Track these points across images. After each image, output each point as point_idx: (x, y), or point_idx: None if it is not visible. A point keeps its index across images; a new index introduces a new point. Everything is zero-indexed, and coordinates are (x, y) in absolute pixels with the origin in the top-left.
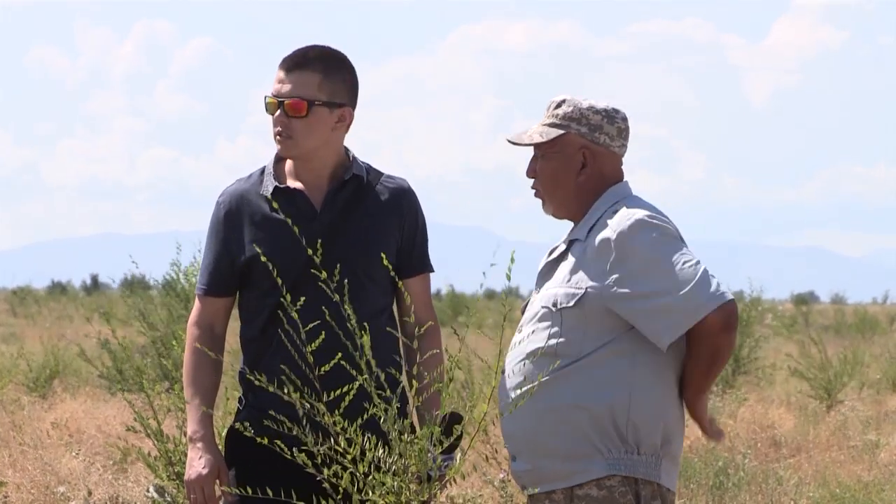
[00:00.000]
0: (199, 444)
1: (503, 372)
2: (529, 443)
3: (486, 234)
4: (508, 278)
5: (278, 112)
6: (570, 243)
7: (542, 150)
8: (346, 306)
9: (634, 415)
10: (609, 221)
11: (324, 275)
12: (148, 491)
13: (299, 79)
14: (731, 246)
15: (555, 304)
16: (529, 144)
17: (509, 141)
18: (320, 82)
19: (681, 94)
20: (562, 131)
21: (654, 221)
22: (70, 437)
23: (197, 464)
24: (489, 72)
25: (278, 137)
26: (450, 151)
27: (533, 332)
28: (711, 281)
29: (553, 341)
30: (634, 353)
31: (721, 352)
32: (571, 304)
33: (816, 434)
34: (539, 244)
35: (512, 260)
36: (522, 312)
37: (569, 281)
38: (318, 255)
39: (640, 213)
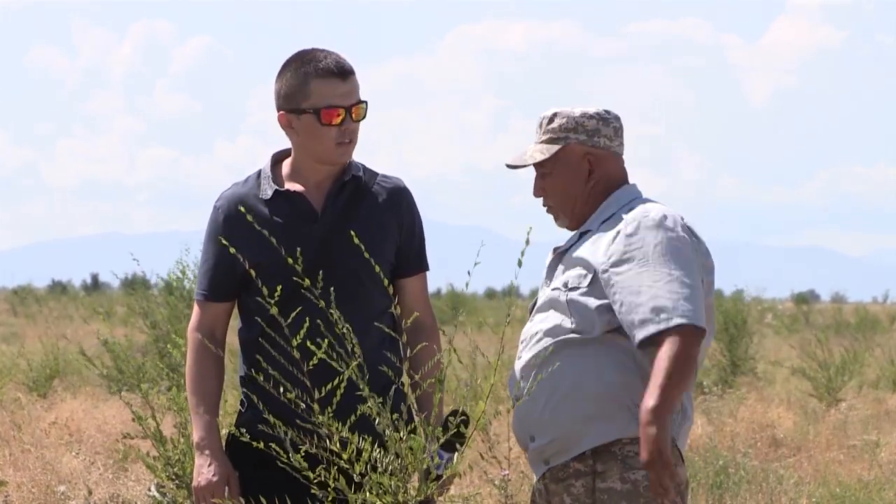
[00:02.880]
0: (207, 452)
1: (518, 359)
2: (551, 415)
3: (487, 234)
4: (520, 264)
5: (345, 119)
6: (581, 235)
7: (547, 168)
8: (332, 311)
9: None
10: (624, 215)
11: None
12: (149, 490)
13: (354, 85)
14: (731, 246)
15: (566, 285)
16: (532, 165)
17: (509, 165)
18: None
19: (680, 93)
20: (561, 144)
21: (669, 224)
22: (70, 436)
23: (206, 471)
24: (488, 72)
25: (342, 144)
26: (449, 151)
27: (545, 316)
28: (690, 303)
29: (568, 320)
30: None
31: (671, 362)
32: (584, 284)
33: (816, 433)
34: (541, 243)
35: (522, 254)
36: (531, 312)
37: (579, 264)
38: (319, 258)
39: (659, 210)
